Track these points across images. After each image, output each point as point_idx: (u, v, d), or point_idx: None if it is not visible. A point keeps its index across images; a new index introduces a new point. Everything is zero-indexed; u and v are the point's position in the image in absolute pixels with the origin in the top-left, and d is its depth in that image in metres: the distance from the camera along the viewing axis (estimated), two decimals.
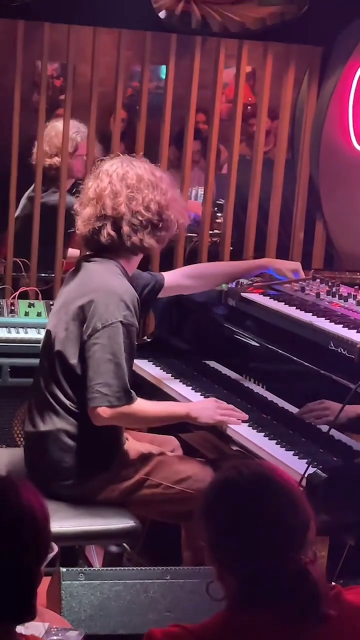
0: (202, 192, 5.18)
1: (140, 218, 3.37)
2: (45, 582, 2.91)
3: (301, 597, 1.94)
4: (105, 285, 3.33)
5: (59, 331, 3.37)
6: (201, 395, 3.73)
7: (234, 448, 3.45)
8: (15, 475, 2.05)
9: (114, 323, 3.27)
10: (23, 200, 5.14)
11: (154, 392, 3.89)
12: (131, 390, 3.31)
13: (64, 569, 2.85)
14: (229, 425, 3.44)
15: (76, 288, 3.41)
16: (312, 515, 2.01)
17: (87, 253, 3.55)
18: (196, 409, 3.46)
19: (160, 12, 4.68)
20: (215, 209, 5.45)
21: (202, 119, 5.87)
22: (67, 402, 3.35)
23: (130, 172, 3.41)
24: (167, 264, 4.90)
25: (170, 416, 3.46)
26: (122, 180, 3.39)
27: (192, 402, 3.65)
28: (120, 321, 3.28)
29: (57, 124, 5.09)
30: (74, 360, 3.32)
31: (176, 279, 3.81)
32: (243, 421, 3.48)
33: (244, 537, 1.96)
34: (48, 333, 3.43)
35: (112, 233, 3.37)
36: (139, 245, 3.39)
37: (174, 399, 3.74)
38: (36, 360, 3.57)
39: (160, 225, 3.41)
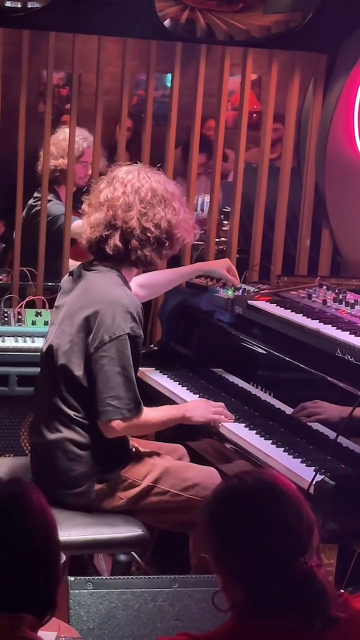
0: (208, 200, 5.19)
1: (149, 234, 3.37)
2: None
3: (309, 601, 1.94)
4: (111, 296, 3.32)
5: (63, 344, 3.36)
6: None
7: (230, 447, 3.48)
8: (24, 480, 2.14)
9: (121, 335, 3.27)
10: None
11: (161, 400, 3.89)
12: (140, 401, 3.32)
13: (72, 578, 2.85)
14: (239, 434, 3.46)
15: (79, 299, 3.40)
16: (315, 521, 2.01)
17: (87, 261, 3.54)
18: (190, 408, 3.54)
19: (165, 21, 4.69)
20: (222, 216, 5.45)
21: (212, 125, 5.87)
22: (72, 413, 3.35)
23: (145, 185, 3.40)
24: None
25: (171, 419, 3.50)
26: (136, 193, 3.38)
27: (185, 402, 3.70)
28: (128, 333, 3.28)
29: (67, 130, 5.11)
30: (79, 372, 3.32)
31: (134, 289, 3.80)
32: (250, 428, 3.50)
33: (248, 545, 1.96)
34: (50, 346, 3.41)
35: (119, 244, 3.37)
36: (143, 260, 3.40)
37: None
38: None
39: (167, 244, 3.42)
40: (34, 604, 1.97)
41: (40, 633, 2.02)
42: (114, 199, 3.39)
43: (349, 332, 3.38)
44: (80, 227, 3.57)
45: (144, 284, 3.93)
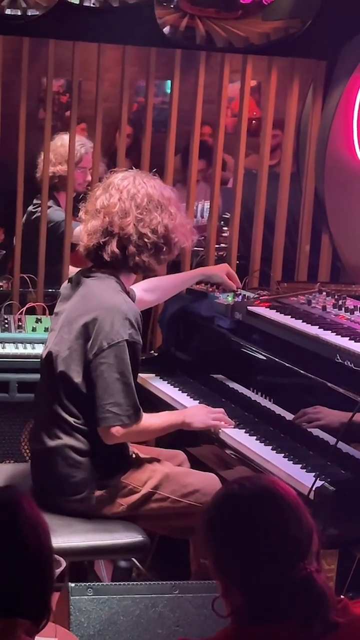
0: (208, 206, 5.19)
1: (146, 240, 3.38)
2: (54, 597, 2.92)
3: (309, 606, 1.94)
4: (109, 302, 3.33)
5: (62, 350, 3.36)
6: None
7: (230, 452, 3.49)
8: (16, 487, 2.18)
9: (120, 342, 3.28)
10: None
11: (161, 406, 3.89)
12: (140, 408, 3.32)
13: (73, 584, 2.85)
14: (239, 440, 3.47)
15: (78, 305, 3.40)
16: (314, 526, 2.01)
17: (86, 267, 3.55)
18: (190, 414, 3.54)
19: (165, 28, 4.70)
20: (222, 222, 5.45)
21: (207, 132, 5.88)
22: (72, 420, 3.36)
23: (141, 191, 3.41)
24: None
25: (170, 425, 3.50)
26: (132, 199, 3.38)
27: (185, 408, 3.70)
28: (126, 340, 3.28)
29: (65, 136, 5.13)
30: (78, 379, 3.33)
31: (139, 294, 3.81)
32: (250, 434, 3.51)
33: (248, 551, 1.97)
34: (49, 353, 3.42)
35: (117, 251, 3.38)
36: (141, 265, 3.41)
37: None
38: None
39: (165, 249, 3.43)
40: (29, 610, 1.99)
41: (37, 639, 2.03)
42: (110, 205, 3.39)
43: (348, 338, 3.38)
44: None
45: (149, 289, 3.94)
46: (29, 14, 4.55)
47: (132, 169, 3.60)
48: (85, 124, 5.75)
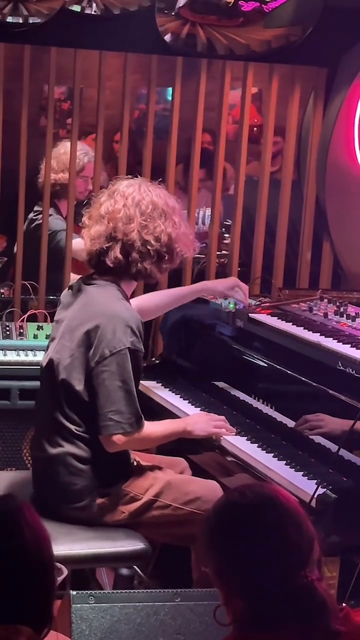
0: (210, 213, 5.20)
1: (149, 247, 3.38)
2: (56, 605, 2.91)
3: (309, 615, 1.93)
4: (111, 310, 3.33)
5: (63, 358, 3.36)
6: None
7: (232, 460, 3.49)
8: (16, 496, 2.19)
9: (122, 350, 3.27)
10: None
11: (163, 414, 3.89)
12: (141, 415, 3.32)
13: (74, 592, 2.85)
14: (240, 448, 3.47)
15: (79, 313, 3.40)
16: (315, 535, 2.01)
17: (87, 274, 3.54)
18: (191, 422, 3.53)
19: (166, 36, 4.71)
20: (223, 229, 5.46)
21: (207, 139, 5.89)
22: (73, 427, 3.35)
23: (146, 198, 3.41)
24: (175, 286, 4.89)
25: (172, 433, 3.50)
26: (136, 206, 3.39)
27: (187, 416, 3.69)
28: (128, 347, 3.28)
29: (67, 144, 5.13)
30: (80, 386, 3.32)
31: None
32: (252, 442, 3.51)
33: (248, 559, 1.96)
34: (50, 361, 3.42)
35: (120, 257, 3.38)
36: (143, 272, 3.40)
37: None
38: None
39: (167, 258, 3.43)
40: (30, 617, 1.99)
41: None
42: (115, 211, 3.40)
43: (350, 345, 3.38)
44: (80, 243, 3.57)
45: (144, 306, 3.83)
46: (31, 21, 4.56)
47: (137, 176, 3.61)
48: (95, 134, 5.76)
